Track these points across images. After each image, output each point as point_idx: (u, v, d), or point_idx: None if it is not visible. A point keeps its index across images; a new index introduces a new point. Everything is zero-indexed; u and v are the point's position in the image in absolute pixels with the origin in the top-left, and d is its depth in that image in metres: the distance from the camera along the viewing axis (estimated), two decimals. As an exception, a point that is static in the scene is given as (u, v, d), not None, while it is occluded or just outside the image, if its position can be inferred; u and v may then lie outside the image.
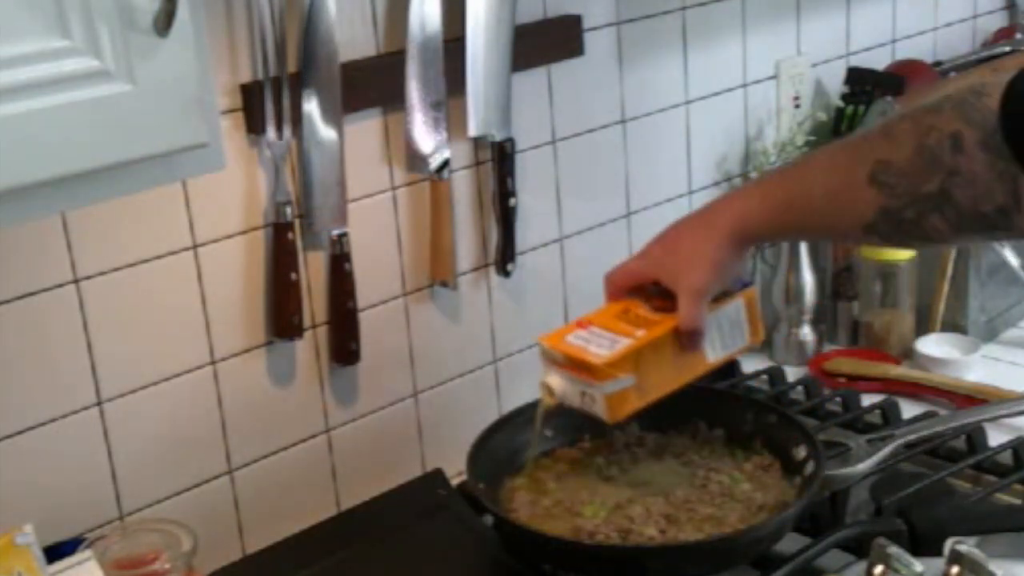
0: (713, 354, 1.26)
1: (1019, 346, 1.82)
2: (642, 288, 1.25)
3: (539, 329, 1.62)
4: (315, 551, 1.31)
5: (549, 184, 1.60)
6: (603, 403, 1.19)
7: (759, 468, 1.36)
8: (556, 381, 1.23)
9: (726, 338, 1.27)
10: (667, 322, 1.21)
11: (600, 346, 1.19)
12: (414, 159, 1.42)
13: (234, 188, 1.29)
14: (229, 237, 1.30)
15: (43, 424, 1.20)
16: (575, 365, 1.19)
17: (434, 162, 1.43)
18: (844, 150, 1.16)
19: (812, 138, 1.85)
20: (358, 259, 1.38)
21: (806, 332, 1.82)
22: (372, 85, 1.37)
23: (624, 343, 1.19)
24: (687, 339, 1.21)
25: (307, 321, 1.36)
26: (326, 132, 1.32)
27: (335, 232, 1.35)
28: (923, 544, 1.25)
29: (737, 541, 1.22)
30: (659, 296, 1.24)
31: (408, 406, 1.50)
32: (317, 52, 1.29)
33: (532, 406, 1.43)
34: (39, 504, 1.20)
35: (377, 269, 1.43)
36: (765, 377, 1.72)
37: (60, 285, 1.19)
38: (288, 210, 1.31)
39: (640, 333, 1.20)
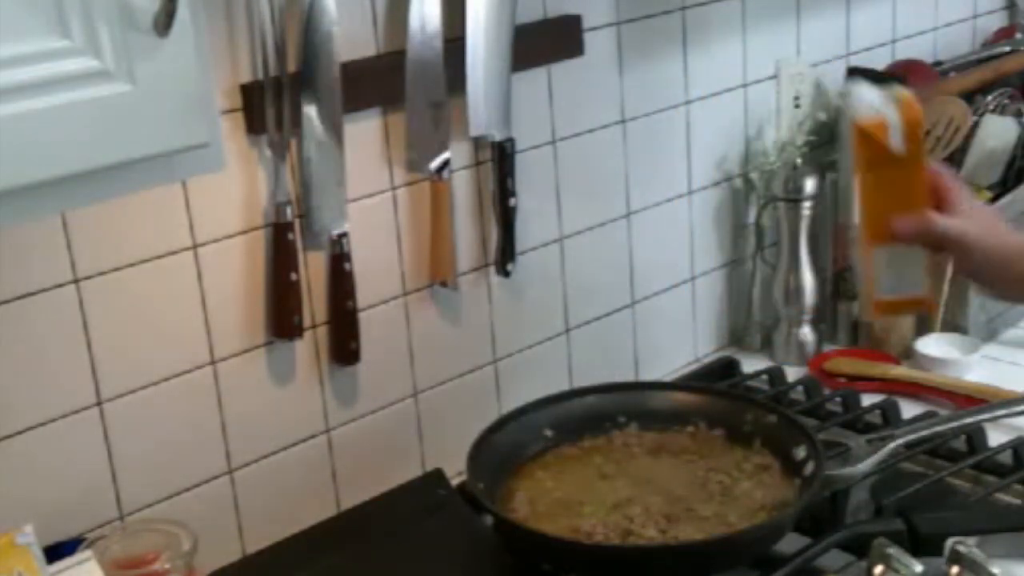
0: None
1: (1019, 346, 1.82)
2: None
3: (539, 329, 1.64)
4: (315, 551, 1.31)
5: (549, 184, 1.60)
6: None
7: (759, 468, 1.36)
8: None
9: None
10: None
11: None
12: (414, 159, 1.42)
13: (234, 188, 1.29)
14: (229, 237, 1.30)
15: (43, 424, 1.20)
16: None
17: (434, 162, 1.43)
18: None
19: (812, 138, 1.85)
20: (358, 259, 1.38)
21: (806, 332, 1.82)
22: (372, 85, 1.37)
23: None
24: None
25: (307, 321, 1.36)
26: (326, 132, 1.32)
27: (335, 232, 1.35)
28: (923, 544, 1.25)
29: (737, 541, 1.22)
30: None
31: (408, 406, 1.50)
32: (317, 52, 1.29)
33: (532, 406, 1.44)
34: (39, 504, 1.19)
35: (377, 269, 1.43)
36: (765, 377, 1.72)
37: (60, 285, 1.19)
38: (288, 210, 1.31)
39: None
